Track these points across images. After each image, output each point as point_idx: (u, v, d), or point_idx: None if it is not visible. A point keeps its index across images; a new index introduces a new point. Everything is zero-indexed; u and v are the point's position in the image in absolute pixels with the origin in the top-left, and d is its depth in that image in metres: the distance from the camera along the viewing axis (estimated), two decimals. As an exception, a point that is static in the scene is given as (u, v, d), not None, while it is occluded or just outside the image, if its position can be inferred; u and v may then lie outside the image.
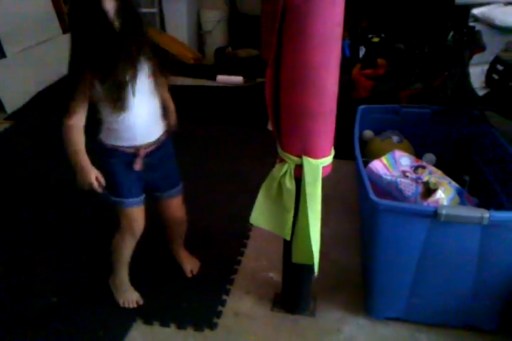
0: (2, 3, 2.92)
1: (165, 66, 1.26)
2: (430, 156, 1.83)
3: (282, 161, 1.14)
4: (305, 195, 1.11)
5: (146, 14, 3.96)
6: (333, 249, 1.69)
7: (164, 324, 1.43)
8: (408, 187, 1.35)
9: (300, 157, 1.10)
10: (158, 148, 1.34)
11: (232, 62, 3.78)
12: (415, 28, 2.29)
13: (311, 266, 1.20)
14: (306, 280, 1.39)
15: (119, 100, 1.17)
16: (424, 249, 1.21)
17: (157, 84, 1.25)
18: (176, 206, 1.49)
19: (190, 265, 1.63)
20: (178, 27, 3.88)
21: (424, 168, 1.48)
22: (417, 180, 1.38)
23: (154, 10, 3.94)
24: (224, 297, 1.52)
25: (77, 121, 1.21)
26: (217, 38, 4.03)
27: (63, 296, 1.53)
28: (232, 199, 2.02)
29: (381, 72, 2.35)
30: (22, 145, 2.49)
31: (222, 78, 3.51)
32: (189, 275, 1.61)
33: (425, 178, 1.40)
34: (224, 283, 1.57)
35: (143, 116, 1.25)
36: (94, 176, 1.26)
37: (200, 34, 4.11)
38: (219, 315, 1.46)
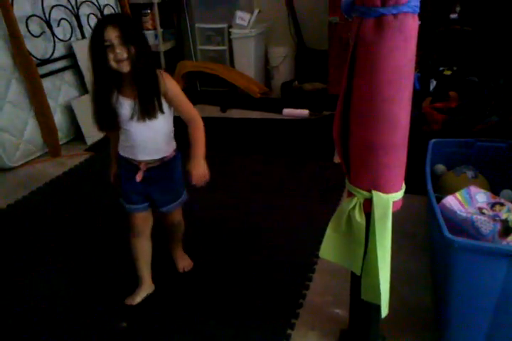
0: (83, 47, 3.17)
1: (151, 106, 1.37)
2: (508, 193, 1.73)
3: (351, 195, 1.13)
4: (374, 229, 1.09)
5: (216, 51, 4.18)
6: (402, 286, 1.62)
7: (229, 356, 1.43)
8: (485, 224, 1.29)
9: (370, 191, 1.08)
10: (160, 166, 1.48)
11: (299, 96, 3.85)
12: (489, 61, 2.24)
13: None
14: (375, 319, 1.33)
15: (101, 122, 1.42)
16: (503, 291, 1.14)
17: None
18: (173, 215, 1.64)
19: (183, 263, 1.79)
20: (246, 63, 4.03)
21: (502, 204, 1.41)
22: (494, 218, 1.31)
23: (224, 47, 4.14)
24: (289, 331, 1.49)
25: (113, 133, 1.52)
26: (284, 73, 4.14)
27: (133, 321, 1.56)
28: (297, 232, 2.02)
29: (453, 105, 2.30)
30: (101, 174, 2.64)
31: (288, 111, 3.56)
32: (181, 271, 1.77)
33: (504, 216, 1.32)
34: (289, 317, 1.55)
35: (141, 138, 1.42)
36: (112, 170, 1.57)
37: (267, 69, 4.24)
38: (284, 350, 1.44)
